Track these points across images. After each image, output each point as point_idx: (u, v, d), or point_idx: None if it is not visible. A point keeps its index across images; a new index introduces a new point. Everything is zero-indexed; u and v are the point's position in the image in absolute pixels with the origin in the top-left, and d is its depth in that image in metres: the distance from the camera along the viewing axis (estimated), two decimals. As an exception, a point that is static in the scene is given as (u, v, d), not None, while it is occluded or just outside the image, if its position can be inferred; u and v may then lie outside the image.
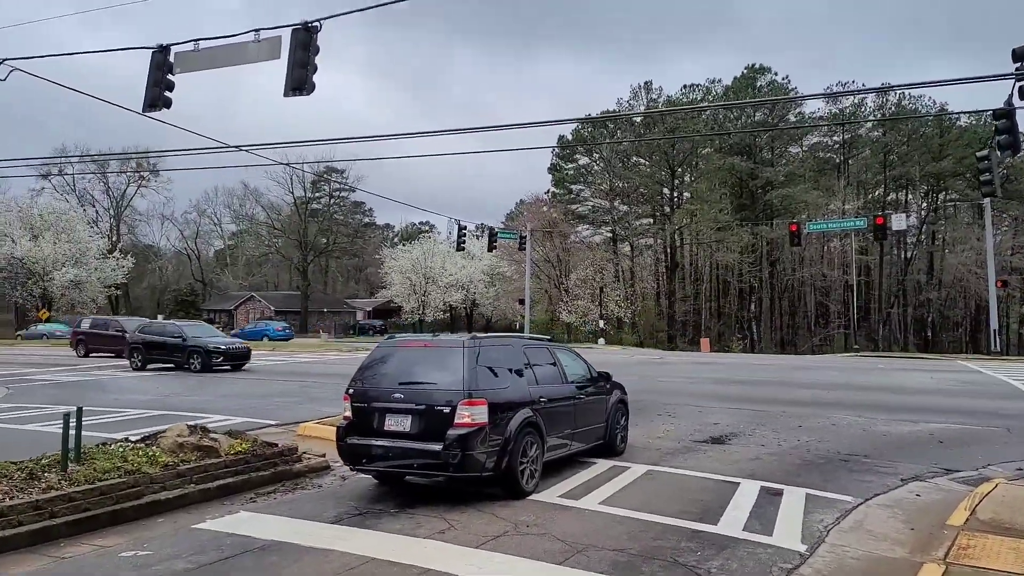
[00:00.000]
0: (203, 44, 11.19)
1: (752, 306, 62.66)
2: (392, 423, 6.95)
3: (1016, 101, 15.55)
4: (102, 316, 36.57)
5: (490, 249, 38.75)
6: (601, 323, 50.01)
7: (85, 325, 30.40)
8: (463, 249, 35.99)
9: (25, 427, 11.52)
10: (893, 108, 62.32)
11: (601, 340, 48.47)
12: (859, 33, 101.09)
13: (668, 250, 62.09)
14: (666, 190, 63.25)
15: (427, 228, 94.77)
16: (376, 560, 5.33)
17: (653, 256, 67.61)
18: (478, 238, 65.10)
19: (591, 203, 66.47)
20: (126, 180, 69.51)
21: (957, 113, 61.63)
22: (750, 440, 10.95)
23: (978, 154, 19.93)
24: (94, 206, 70.07)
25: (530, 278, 47.04)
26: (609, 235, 65.20)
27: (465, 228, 34.21)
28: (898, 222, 34.31)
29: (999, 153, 19.95)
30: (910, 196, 68.52)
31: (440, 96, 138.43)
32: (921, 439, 11.07)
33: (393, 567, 5.20)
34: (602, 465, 8.95)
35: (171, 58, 11.43)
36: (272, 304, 70.39)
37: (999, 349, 35.46)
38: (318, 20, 10.72)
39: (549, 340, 9.09)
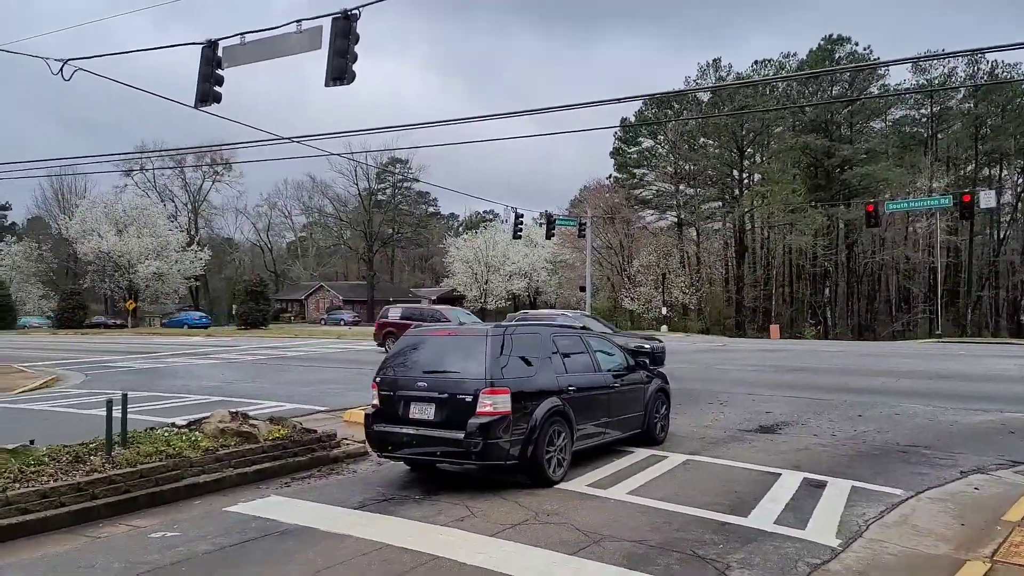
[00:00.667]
0: (249, 37, 11.52)
1: (827, 291, 60.22)
2: (416, 411, 7.05)
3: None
4: (413, 305, 31.63)
5: (548, 236, 38.62)
6: (664, 310, 49.09)
7: (393, 315, 26.06)
8: (519, 237, 36.05)
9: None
10: (985, 77, 58.36)
11: (664, 327, 47.65)
12: (946, 6, 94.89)
13: (737, 234, 60.37)
14: (735, 172, 61.44)
15: (491, 217, 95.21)
16: (390, 547, 5.42)
17: (721, 240, 65.89)
18: (540, 226, 64.99)
19: (655, 187, 65.37)
20: (202, 175, 72.90)
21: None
22: (802, 430, 10.59)
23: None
24: (173, 201, 73.85)
25: (591, 265, 46.62)
26: (674, 220, 63.92)
27: (522, 216, 34.24)
28: (987, 199, 32.26)
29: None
30: (1004, 171, 64.17)
31: (499, 85, 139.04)
32: (991, 429, 10.41)
33: (405, 554, 5.27)
34: (640, 454, 8.83)
35: (219, 53, 11.82)
36: (340, 293, 72.57)
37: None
38: (357, 8, 10.86)
39: (581, 328, 8.98)
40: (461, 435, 6.70)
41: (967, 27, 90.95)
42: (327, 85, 10.78)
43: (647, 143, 65.47)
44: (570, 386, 7.65)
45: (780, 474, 7.84)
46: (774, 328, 49.26)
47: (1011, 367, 19.90)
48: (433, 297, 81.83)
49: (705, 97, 60.27)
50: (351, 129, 41.69)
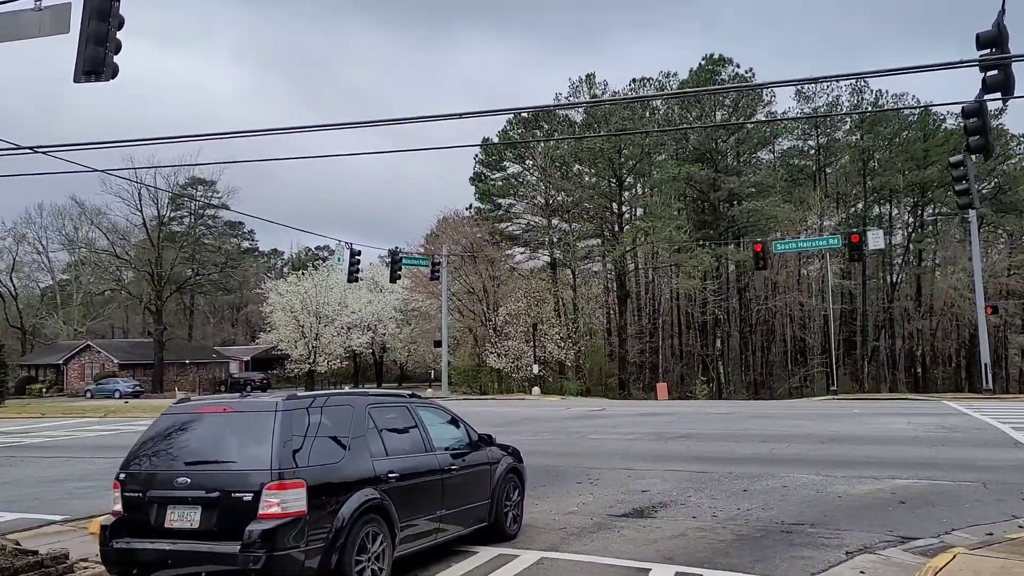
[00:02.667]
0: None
1: (718, 342, 63.83)
2: (176, 517, 6.39)
3: (989, 96, 16.27)
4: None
5: (393, 279, 38.29)
6: (536, 368, 49.78)
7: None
8: (356, 279, 35.41)
9: None
10: (870, 107, 65.29)
11: (536, 389, 48.25)
12: (832, 24, 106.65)
13: (618, 276, 62.86)
14: (614, 204, 64.25)
15: (325, 255, 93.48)
16: None
17: (601, 284, 68.31)
18: (387, 266, 64.54)
19: (524, 220, 66.92)
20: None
21: (942, 110, 64.99)
22: (681, 511, 10.85)
23: (951, 160, 20.80)
24: None
25: (447, 315, 46.64)
26: (547, 259, 65.59)
27: (359, 253, 33.64)
28: (875, 239, 35.66)
29: (972, 157, 20.90)
30: (895, 210, 71.73)
31: (332, 88, 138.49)
32: (881, 500, 11.15)
33: None
34: (485, 554, 8.63)
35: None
36: (116, 355, 67.28)
37: (991, 387, 36.97)
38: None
39: (409, 396, 8.71)
40: (237, 547, 6.12)
41: (850, 51, 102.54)
42: (77, 80, 10.03)
43: (513, 168, 67.25)
44: (391, 472, 7.31)
45: (649, 569, 7.90)
46: (661, 387, 51.29)
47: (904, 426, 21.71)
48: (246, 358, 78.37)
49: (579, 117, 62.97)
50: (133, 138, 39.19)
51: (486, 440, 9.32)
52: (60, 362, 69.18)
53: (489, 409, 33.84)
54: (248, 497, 6.24)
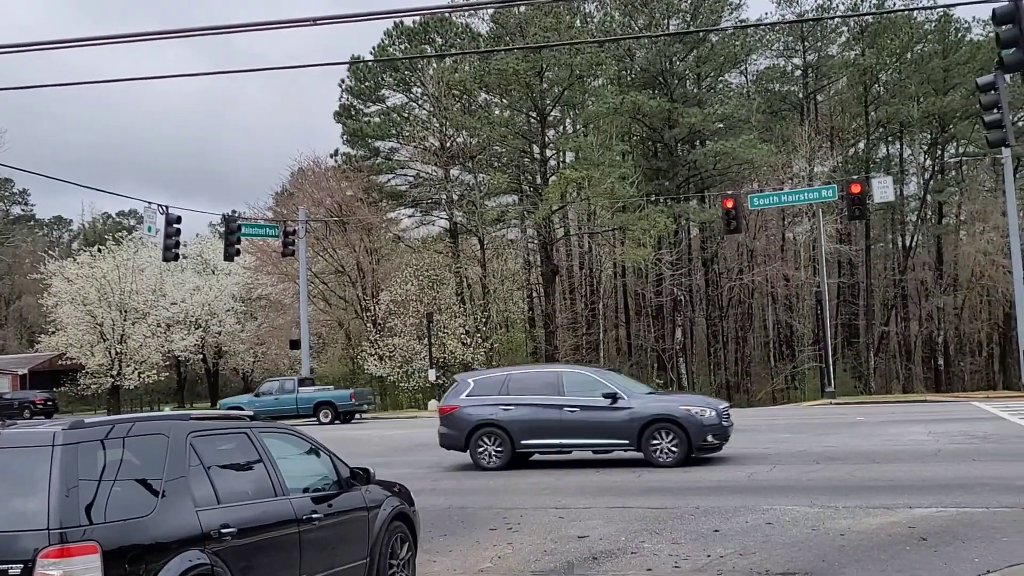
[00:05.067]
0: None
1: (678, 332, 64.97)
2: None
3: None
4: None
5: (228, 257, 37.52)
6: (432, 374, 49.73)
7: None
8: (175, 257, 34.54)
9: None
10: (874, 11, 66.97)
11: (434, 403, 48.16)
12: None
13: (543, 246, 63.08)
14: (535, 147, 64.35)
15: (132, 223, 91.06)
16: None
17: (519, 258, 68.40)
18: (221, 238, 63.32)
19: (412, 170, 66.35)
20: None
21: (966, 14, 67.31)
22: (631, 562, 11.03)
23: (979, 81, 21.63)
24: None
25: (307, 304, 46.08)
26: (445, 225, 65.25)
27: (178, 220, 32.75)
28: (882, 189, 36.80)
29: (1006, 78, 21.75)
30: (906, 150, 74.18)
31: None
32: (895, 537, 11.53)
33: None
34: (362, 636, 8.55)
35: None
36: None
37: (1032, 380, 38.89)
38: None
39: (251, 419, 8.54)
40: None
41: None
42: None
43: (395, 98, 66.56)
44: (225, 527, 7.13)
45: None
46: (603, 394, 51.86)
47: (923, 437, 22.55)
48: (22, 371, 75.68)
49: (484, 28, 62.75)
50: None
51: (361, 477, 9.24)
52: None
53: (368, 432, 33.63)
54: (15, 571, 5.97)
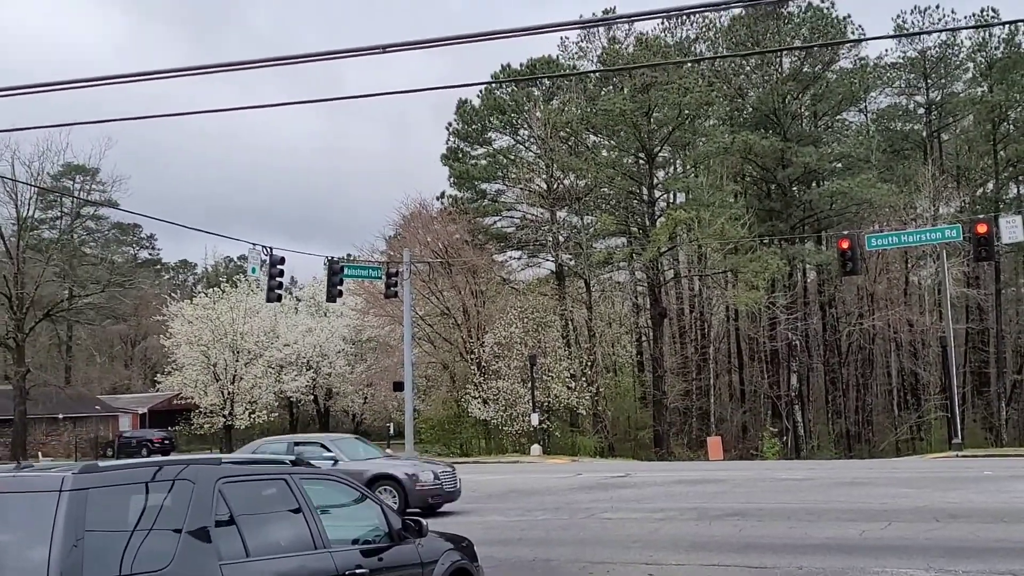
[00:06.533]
0: None
1: (794, 379, 63.11)
2: None
3: None
4: None
5: (330, 297, 37.60)
6: (535, 418, 49.08)
7: None
8: (278, 298, 34.66)
9: None
10: (1000, 45, 64.85)
11: (536, 448, 47.63)
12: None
13: (650, 289, 62.21)
14: (643, 188, 63.68)
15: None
16: None
17: (627, 301, 67.62)
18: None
19: (518, 212, 66.28)
20: None
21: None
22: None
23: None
24: None
25: (411, 346, 45.90)
26: (551, 267, 64.88)
27: (282, 261, 32.95)
28: (1010, 229, 34.97)
29: None
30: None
31: (235, 37, 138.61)
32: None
33: None
34: None
35: None
36: (-43, 407, 66.71)
37: None
38: None
39: (292, 463, 8.02)
40: None
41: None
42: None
43: (502, 141, 66.76)
44: (254, 585, 6.58)
45: None
46: (714, 442, 50.68)
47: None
48: (143, 410, 77.82)
49: (592, 67, 62.64)
50: None
51: (413, 528, 8.60)
52: None
53: (464, 477, 32.94)
54: (9, 631, 5.54)
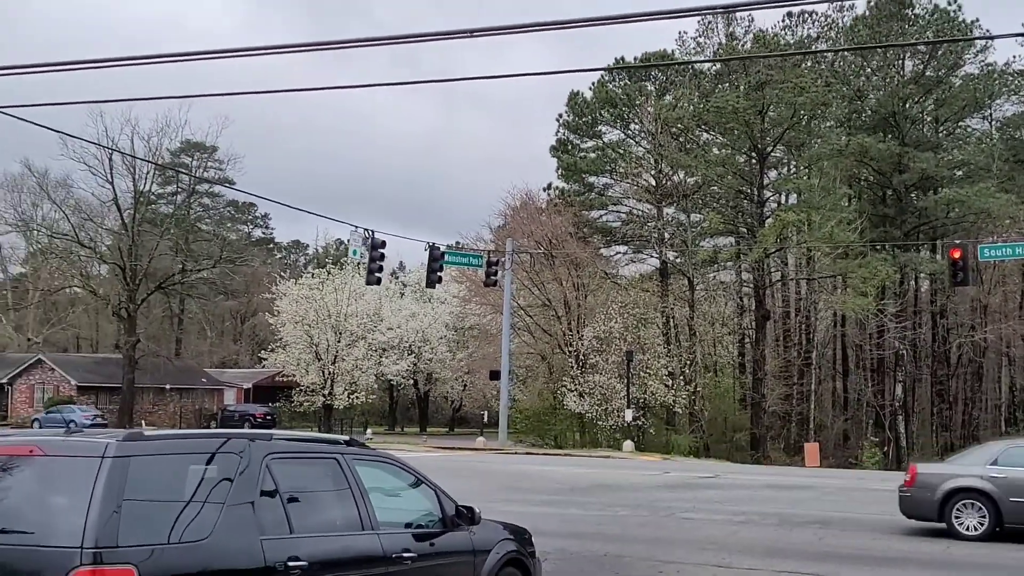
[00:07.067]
0: None
1: (898, 389, 61.47)
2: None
3: None
4: None
5: (430, 283, 37.83)
6: (629, 414, 48.73)
7: None
8: (377, 281, 35.10)
9: None
10: None
11: (628, 443, 47.25)
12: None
13: (755, 291, 61.19)
14: (753, 188, 62.66)
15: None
16: None
17: (731, 302, 66.66)
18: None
19: (625, 207, 65.89)
20: None
21: None
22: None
23: None
24: None
25: (509, 334, 46.10)
26: (656, 264, 64.38)
27: (383, 244, 33.27)
28: None
29: None
30: None
31: (357, 27, 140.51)
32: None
33: None
34: None
35: None
36: (74, 375, 69.05)
37: None
38: None
39: (346, 443, 8.03)
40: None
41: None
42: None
43: (612, 135, 66.47)
44: (294, 559, 6.59)
45: None
46: (811, 449, 49.66)
47: None
48: (247, 385, 79.70)
49: (707, 63, 61.81)
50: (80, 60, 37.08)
51: (466, 516, 8.54)
52: (4, 380, 71.50)
53: (551, 469, 33.16)
54: (42, 595, 5.65)
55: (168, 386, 71.34)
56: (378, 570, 7.35)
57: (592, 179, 66.97)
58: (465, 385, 75.29)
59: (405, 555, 7.59)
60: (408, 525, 8.05)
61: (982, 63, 64.65)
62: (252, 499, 6.65)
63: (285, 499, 6.90)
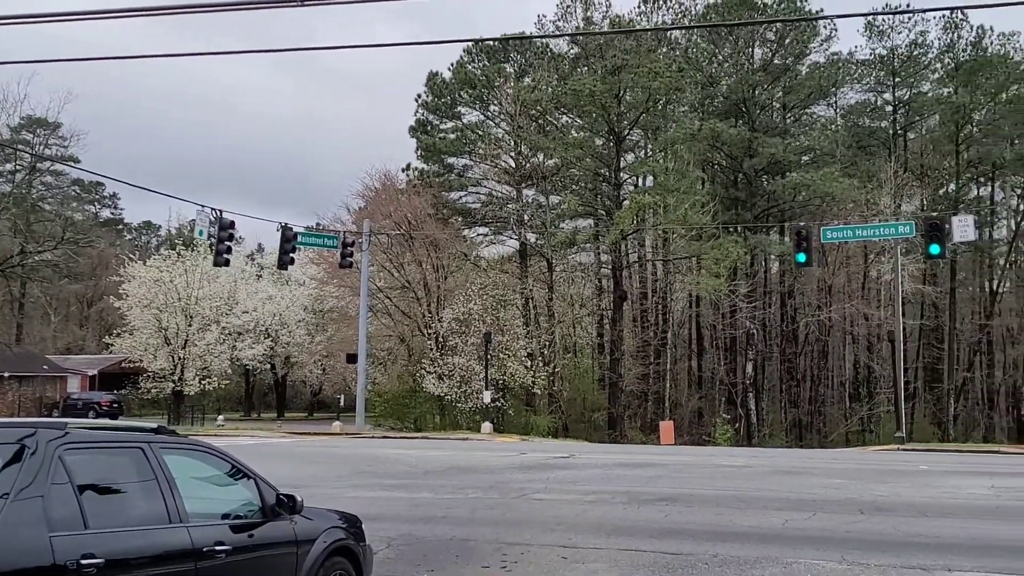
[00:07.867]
0: None
1: (749, 367, 63.20)
2: None
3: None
4: None
5: (281, 265, 37.07)
6: (487, 396, 48.72)
7: None
8: (225, 263, 34.08)
9: None
10: (968, 48, 65.03)
11: (487, 425, 47.23)
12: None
13: (613, 272, 61.97)
14: (610, 171, 63.38)
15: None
16: None
17: (589, 283, 67.42)
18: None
19: (484, 189, 65.90)
20: None
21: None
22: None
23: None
24: None
25: (366, 317, 45.48)
26: (515, 245, 64.56)
27: (231, 225, 32.32)
28: (961, 228, 34.97)
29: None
30: (998, 192, 71.68)
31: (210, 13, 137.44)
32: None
33: None
34: None
35: None
36: None
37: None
38: None
39: (154, 431, 7.50)
40: None
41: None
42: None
43: (471, 116, 66.54)
44: (89, 556, 6.08)
45: None
46: (666, 427, 50.67)
47: (984, 490, 21.01)
48: (92, 372, 76.61)
49: (564, 46, 62.26)
50: None
51: (286, 504, 8.08)
52: None
53: (407, 452, 32.84)
54: None
55: (7, 374, 67.94)
56: (187, 565, 6.85)
57: (452, 160, 66.79)
58: (324, 369, 74.10)
59: (218, 548, 7.12)
60: (225, 516, 7.60)
61: (827, 52, 67.10)
62: (41, 493, 6.12)
63: (80, 493, 6.39)
